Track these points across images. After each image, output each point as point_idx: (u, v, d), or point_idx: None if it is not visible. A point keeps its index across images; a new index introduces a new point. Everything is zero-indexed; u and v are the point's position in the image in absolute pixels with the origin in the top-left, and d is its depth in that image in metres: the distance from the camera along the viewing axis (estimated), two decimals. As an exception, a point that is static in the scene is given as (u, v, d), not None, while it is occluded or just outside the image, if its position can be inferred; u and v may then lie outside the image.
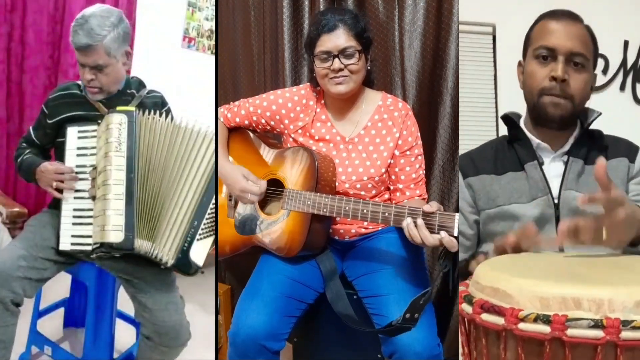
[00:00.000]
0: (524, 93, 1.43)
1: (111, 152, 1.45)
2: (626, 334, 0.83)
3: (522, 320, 0.88)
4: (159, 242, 1.47)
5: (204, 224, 1.48)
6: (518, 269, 1.02)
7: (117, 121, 1.47)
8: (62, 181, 1.49)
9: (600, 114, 1.41)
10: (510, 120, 1.46)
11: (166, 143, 1.50)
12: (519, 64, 1.46)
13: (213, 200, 1.48)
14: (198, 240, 1.47)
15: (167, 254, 1.47)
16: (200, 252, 1.48)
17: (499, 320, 0.91)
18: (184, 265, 1.46)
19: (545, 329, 0.86)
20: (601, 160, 1.04)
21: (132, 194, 1.45)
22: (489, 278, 0.98)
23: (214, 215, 1.50)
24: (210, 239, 1.51)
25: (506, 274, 0.97)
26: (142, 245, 1.46)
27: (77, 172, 1.51)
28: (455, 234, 1.17)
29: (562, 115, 1.35)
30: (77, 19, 1.47)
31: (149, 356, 1.51)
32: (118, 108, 1.50)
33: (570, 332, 0.85)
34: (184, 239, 1.46)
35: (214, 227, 1.52)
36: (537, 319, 0.87)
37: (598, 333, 0.84)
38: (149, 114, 1.51)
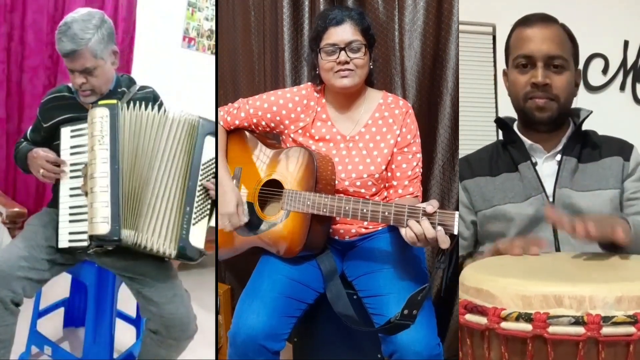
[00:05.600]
0: (512, 100, 1.47)
1: (95, 145, 1.46)
2: (607, 330, 0.84)
3: (504, 319, 0.89)
4: (144, 230, 1.47)
5: (196, 208, 1.50)
6: (501, 270, 1.03)
7: (99, 115, 1.48)
8: (49, 170, 1.50)
9: (591, 112, 1.44)
10: (503, 123, 1.49)
11: (152, 134, 1.51)
12: (504, 72, 1.50)
13: (199, 183, 1.50)
14: (194, 224, 1.49)
15: (167, 245, 1.47)
16: (199, 235, 1.50)
17: (482, 320, 0.92)
18: (187, 252, 1.48)
19: (527, 327, 0.87)
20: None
21: (117, 185, 1.45)
22: (473, 279, 0.98)
23: (203, 197, 1.52)
24: (205, 220, 1.52)
25: (489, 275, 0.97)
26: (128, 235, 1.46)
27: (72, 170, 1.51)
28: (455, 232, 1.17)
29: (550, 116, 1.38)
30: (59, 26, 1.49)
31: (155, 351, 1.51)
32: (100, 102, 1.51)
33: (551, 329, 0.85)
34: (181, 227, 1.48)
35: (207, 209, 1.53)
36: (519, 317, 0.88)
37: (579, 330, 0.84)
38: (135, 106, 1.51)
